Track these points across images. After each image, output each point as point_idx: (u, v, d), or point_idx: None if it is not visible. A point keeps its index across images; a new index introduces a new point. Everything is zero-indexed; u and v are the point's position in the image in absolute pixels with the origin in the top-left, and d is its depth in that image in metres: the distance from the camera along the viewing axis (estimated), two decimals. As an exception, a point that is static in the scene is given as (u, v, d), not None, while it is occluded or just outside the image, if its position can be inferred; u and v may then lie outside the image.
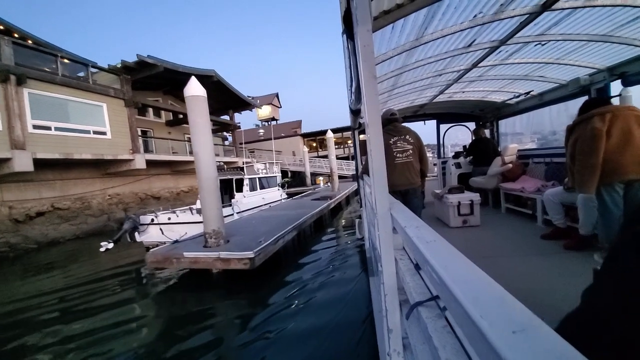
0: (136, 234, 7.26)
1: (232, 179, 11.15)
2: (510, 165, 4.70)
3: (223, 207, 9.31)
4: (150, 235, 7.49)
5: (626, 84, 3.27)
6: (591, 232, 2.88)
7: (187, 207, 9.87)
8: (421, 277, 1.02)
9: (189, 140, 17.77)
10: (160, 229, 7.30)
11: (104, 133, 12.26)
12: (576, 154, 2.58)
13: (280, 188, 14.53)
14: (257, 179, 12.30)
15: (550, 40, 3.01)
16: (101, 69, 12.79)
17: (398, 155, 3.28)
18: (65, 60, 11.57)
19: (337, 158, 23.73)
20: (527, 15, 2.46)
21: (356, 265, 5.77)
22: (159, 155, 15.27)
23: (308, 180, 23.96)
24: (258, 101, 24.83)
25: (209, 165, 5.51)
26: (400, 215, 0.97)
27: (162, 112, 18.77)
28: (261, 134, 30.75)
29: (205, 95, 5.51)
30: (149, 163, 14.03)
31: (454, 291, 0.41)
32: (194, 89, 5.43)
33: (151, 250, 5.44)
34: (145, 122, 17.39)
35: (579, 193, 2.72)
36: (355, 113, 3.37)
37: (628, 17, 2.60)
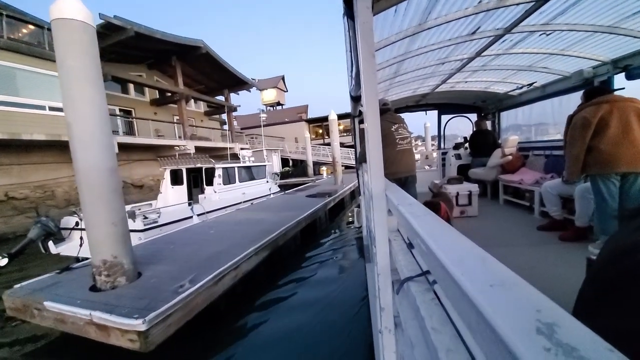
0: (50, 242, 5.29)
1: (201, 168, 8.85)
2: (510, 157, 4.70)
3: (189, 204, 7.53)
4: (76, 244, 5.36)
5: (630, 77, 3.23)
6: (587, 223, 2.91)
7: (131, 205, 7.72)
8: (413, 255, 1.03)
9: (178, 122, 15.62)
10: (80, 238, 5.14)
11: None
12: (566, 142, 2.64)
13: (270, 180, 12.31)
14: (235, 169, 9.81)
15: (555, 30, 2.96)
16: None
17: (400, 142, 3.28)
18: (14, 21, 9.62)
19: (344, 146, 21.58)
20: (533, 3, 2.41)
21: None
22: (137, 138, 13.07)
23: (310, 170, 21.64)
24: (257, 81, 22.96)
25: (95, 146, 3.23)
26: (395, 195, 0.97)
27: (147, 90, 16.30)
28: (263, 119, 30.07)
29: (91, 23, 3.29)
30: (130, 147, 12.39)
31: (439, 255, 0.42)
32: (63, 8, 3.09)
33: (14, 287, 3.54)
34: (125, 100, 15.27)
35: (566, 180, 2.77)
36: (356, 100, 3.35)
37: (634, 8, 2.55)
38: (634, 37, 2.88)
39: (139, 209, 7.89)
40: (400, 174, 3.25)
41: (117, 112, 14.24)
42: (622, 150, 2.34)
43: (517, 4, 2.42)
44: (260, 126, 27.95)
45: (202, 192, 8.98)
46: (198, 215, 7.32)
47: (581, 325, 0.25)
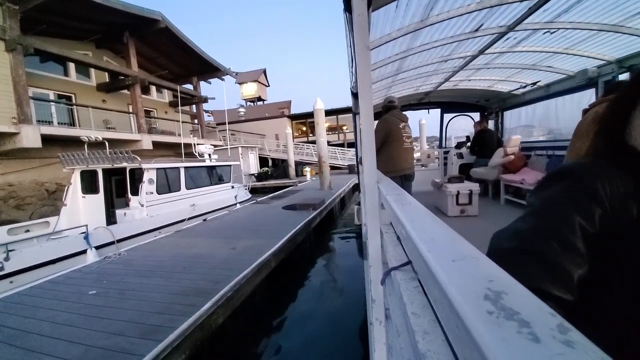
0: None
1: (125, 169, 6.20)
2: (512, 156, 4.67)
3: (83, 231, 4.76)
4: None
5: None
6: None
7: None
8: (403, 248, 1.04)
9: (131, 112, 13.09)
10: None
11: (-38, 91, 7.68)
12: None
13: (237, 185, 10.01)
14: (180, 171, 7.06)
15: (559, 29, 2.94)
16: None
17: (405, 140, 3.46)
18: None
19: (330, 144, 19.62)
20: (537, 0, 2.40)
21: None
22: (72, 130, 10.06)
23: (292, 171, 18.79)
24: (236, 74, 20.45)
25: None
26: (385, 187, 0.99)
27: (93, 73, 13.20)
28: (242, 114, 26.63)
29: None
30: (67, 141, 9.47)
31: (413, 236, 0.44)
32: None
33: None
34: (63, 84, 12.19)
35: None
36: (357, 96, 3.35)
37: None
38: (639, 36, 2.85)
39: (27, 230, 5.63)
40: (405, 171, 3.46)
41: (51, 97, 11.61)
42: None
43: (521, 1, 2.41)
44: (237, 122, 24.82)
45: (127, 204, 6.25)
46: (97, 247, 4.74)
47: (530, 294, 0.26)
